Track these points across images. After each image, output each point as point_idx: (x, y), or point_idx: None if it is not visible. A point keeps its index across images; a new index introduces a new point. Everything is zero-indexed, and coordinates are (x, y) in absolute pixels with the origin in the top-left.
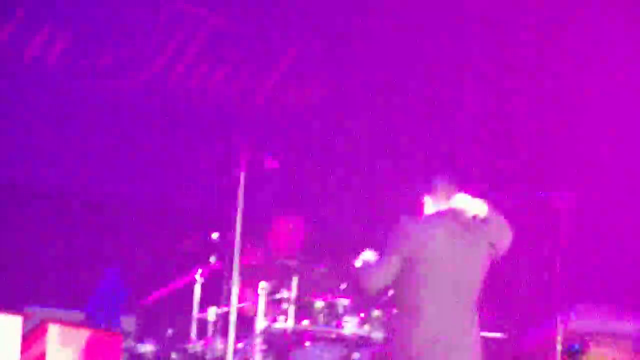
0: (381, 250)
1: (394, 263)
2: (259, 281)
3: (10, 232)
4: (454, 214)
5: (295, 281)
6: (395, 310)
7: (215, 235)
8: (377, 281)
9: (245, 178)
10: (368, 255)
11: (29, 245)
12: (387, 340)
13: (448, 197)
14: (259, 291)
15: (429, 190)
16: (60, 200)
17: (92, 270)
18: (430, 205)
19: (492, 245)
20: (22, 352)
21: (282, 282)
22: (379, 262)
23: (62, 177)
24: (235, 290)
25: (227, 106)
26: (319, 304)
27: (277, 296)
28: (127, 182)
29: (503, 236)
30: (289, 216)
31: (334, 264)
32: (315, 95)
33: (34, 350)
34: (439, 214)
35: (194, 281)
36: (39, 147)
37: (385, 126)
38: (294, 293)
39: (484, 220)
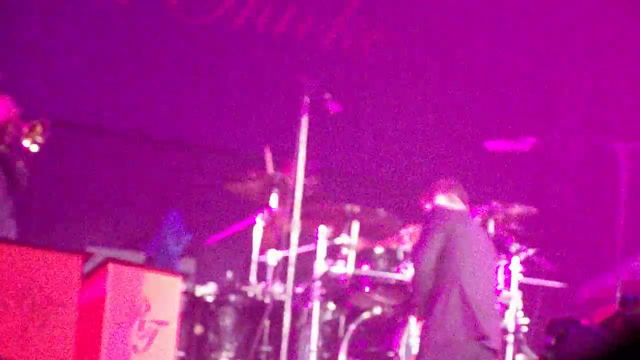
0: (423, 235)
1: (438, 240)
2: (319, 225)
3: (73, 172)
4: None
5: (355, 226)
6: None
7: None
8: (427, 262)
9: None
10: None
11: (92, 186)
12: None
13: (463, 199)
14: (319, 235)
15: (446, 190)
16: (126, 142)
17: (154, 212)
18: (445, 202)
19: None
20: (82, 292)
21: (342, 226)
22: (421, 246)
23: (124, 117)
24: (295, 234)
25: (292, 50)
26: (379, 249)
27: (337, 241)
28: (190, 125)
29: None
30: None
31: (394, 209)
32: (379, 41)
33: (95, 290)
34: (460, 213)
35: (254, 224)
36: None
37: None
38: (354, 238)
39: None
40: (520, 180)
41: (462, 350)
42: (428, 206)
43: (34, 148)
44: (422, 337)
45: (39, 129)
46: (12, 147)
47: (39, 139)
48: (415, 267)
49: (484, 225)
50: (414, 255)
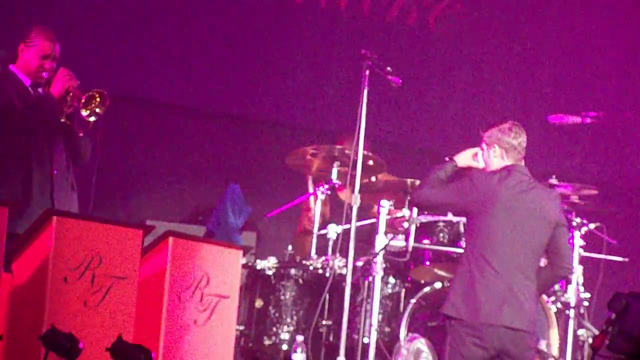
0: (450, 182)
1: (452, 199)
2: (380, 199)
3: (135, 146)
4: (525, 173)
5: None
6: (463, 256)
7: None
8: (430, 197)
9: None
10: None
11: (154, 159)
12: (451, 283)
13: (516, 156)
14: (380, 209)
15: (505, 143)
16: (187, 117)
17: (215, 186)
18: (497, 156)
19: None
20: (143, 265)
21: (402, 200)
22: (441, 187)
23: (185, 91)
24: (355, 208)
25: (356, 25)
26: (440, 223)
27: (398, 215)
28: (251, 99)
29: None
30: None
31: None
32: (444, 16)
33: (155, 263)
34: (508, 169)
35: (315, 198)
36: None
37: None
38: (415, 212)
39: None
40: (582, 155)
41: (482, 333)
42: (485, 147)
43: (92, 118)
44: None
45: (97, 99)
46: (72, 119)
47: (97, 110)
48: (418, 191)
49: None
50: (427, 185)
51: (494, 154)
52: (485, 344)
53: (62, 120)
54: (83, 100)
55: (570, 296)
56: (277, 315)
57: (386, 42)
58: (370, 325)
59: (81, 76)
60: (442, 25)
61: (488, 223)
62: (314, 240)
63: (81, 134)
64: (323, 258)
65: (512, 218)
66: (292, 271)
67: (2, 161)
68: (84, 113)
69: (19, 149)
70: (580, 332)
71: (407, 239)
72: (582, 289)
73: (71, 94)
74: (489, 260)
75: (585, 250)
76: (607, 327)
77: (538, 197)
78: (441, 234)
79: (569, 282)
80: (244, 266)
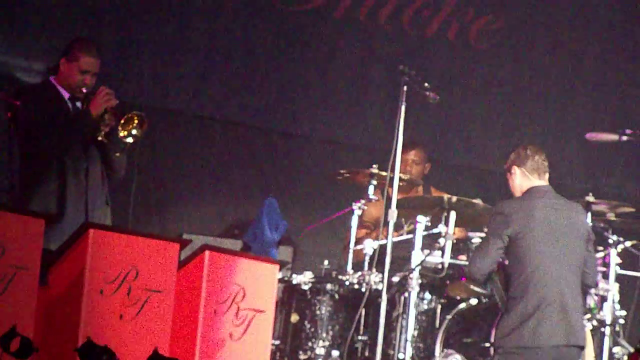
0: (485, 236)
1: (496, 248)
2: (416, 215)
3: (171, 159)
4: (551, 191)
5: (452, 216)
6: (510, 286)
7: (375, 168)
8: (480, 268)
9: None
10: None
11: (190, 173)
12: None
13: (539, 171)
14: (416, 225)
15: (521, 163)
16: (225, 130)
17: (251, 200)
18: (519, 176)
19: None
20: (179, 278)
21: (439, 216)
22: (480, 250)
23: (224, 105)
24: (392, 224)
25: (395, 39)
26: (476, 239)
27: (434, 231)
28: (289, 113)
29: None
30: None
31: (491, 200)
32: (485, 30)
33: (191, 277)
34: (532, 191)
35: (352, 213)
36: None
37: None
38: (451, 228)
39: None
40: (619, 172)
41: (539, 356)
42: (509, 175)
43: (129, 140)
44: (496, 342)
45: (135, 121)
46: (109, 137)
47: (135, 132)
48: (468, 269)
49: None
50: (471, 259)
51: (515, 176)
52: None
53: (99, 138)
54: (122, 122)
55: (606, 314)
56: (312, 330)
57: (426, 56)
58: (406, 340)
59: (120, 88)
60: (482, 41)
61: (529, 246)
62: (350, 255)
63: (117, 154)
64: (359, 273)
65: (551, 237)
66: (328, 286)
67: (37, 174)
68: (121, 134)
69: (54, 162)
70: (616, 349)
71: (443, 255)
72: (617, 306)
73: (109, 114)
74: (535, 281)
75: (621, 268)
76: None
77: (569, 213)
78: None
79: (604, 299)
80: (280, 281)
